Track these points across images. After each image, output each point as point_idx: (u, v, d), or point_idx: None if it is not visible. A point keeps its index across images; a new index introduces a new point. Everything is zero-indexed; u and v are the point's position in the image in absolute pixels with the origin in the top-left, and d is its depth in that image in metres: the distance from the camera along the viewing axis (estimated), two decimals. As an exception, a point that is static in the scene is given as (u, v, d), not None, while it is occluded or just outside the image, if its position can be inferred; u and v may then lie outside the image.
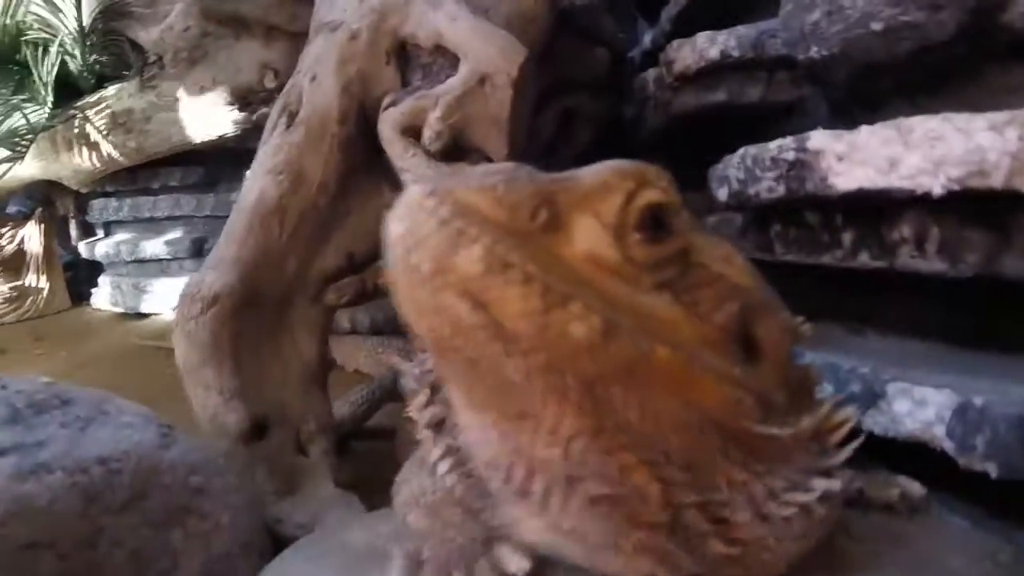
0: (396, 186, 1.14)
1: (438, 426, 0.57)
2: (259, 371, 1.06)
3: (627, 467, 0.45)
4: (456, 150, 1.09)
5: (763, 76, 1.15)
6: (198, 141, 2.22)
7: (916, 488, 0.65)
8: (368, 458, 1.18)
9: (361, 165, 1.15)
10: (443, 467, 0.56)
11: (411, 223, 0.41)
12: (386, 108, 1.12)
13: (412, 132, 1.10)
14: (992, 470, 0.73)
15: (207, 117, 2.14)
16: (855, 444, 0.51)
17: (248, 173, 1.17)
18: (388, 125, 1.11)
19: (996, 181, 0.76)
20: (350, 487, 1.04)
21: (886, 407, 0.85)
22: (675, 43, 1.22)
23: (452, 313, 0.41)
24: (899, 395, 0.84)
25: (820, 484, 0.49)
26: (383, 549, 0.60)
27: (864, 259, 0.96)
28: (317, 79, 1.15)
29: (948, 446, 0.77)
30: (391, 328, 1.69)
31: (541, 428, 0.45)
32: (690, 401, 0.44)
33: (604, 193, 0.44)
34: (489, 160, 1.09)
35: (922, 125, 0.82)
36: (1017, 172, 0.75)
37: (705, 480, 0.46)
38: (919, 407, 0.81)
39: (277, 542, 0.88)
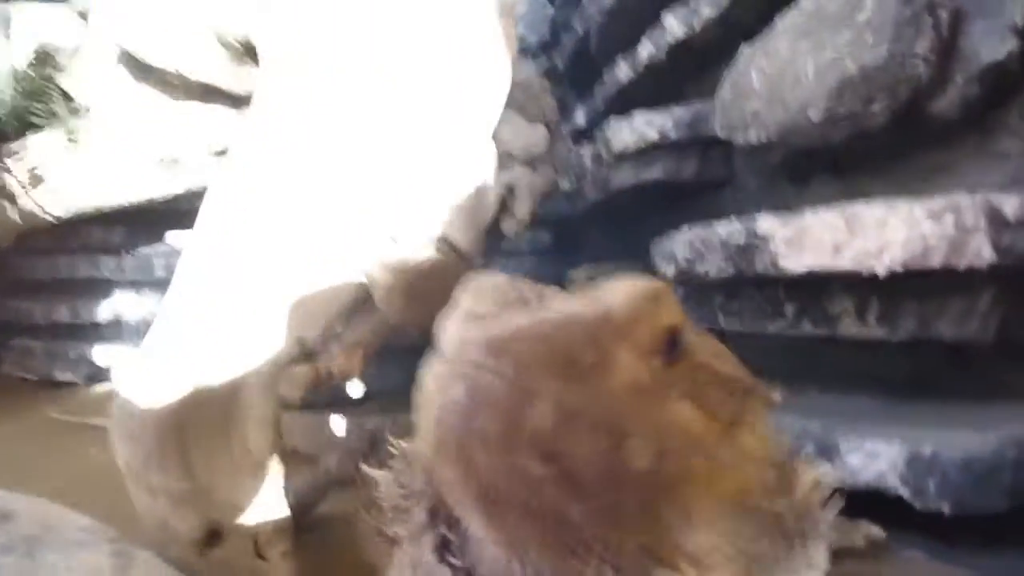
0: (346, 269, 1.10)
1: (441, 549, 0.55)
2: (210, 472, 0.98)
3: (678, 564, 0.47)
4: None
5: (697, 154, 1.22)
6: (127, 204, 2.04)
7: (876, 531, 0.72)
8: (324, 551, 1.11)
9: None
10: None
11: (471, 388, 0.41)
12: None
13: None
14: (945, 508, 0.82)
15: (137, 179, 1.99)
16: (838, 506, 0.55)
17: (174, 243, 1.09)
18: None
19: (935, 262, 0.86)
20: (313, 584, 0.98)
21: (840, 462, 0.92)
22: (613, 122, 1.27)
23: (522, 471, 0.41)
24: (851, 450, 0.91)
25: (821, 549, 0.52)
26: None
27: (807, 328, 1.04)
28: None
29: (904, 492, 0.85)
30: (324, 403, 1.62)
31: (593, 553, 0.46)
32: (717, 497, 0.47)
33: (637, 323, 0.45)
34: (452, 247, 1.08)
35: (867, 212, 0.90)
36: (953, 253, 0.85)
37: (728, 556, 0.49)
38: (872, 459, 0.89)
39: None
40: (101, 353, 2.31)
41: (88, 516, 0.85)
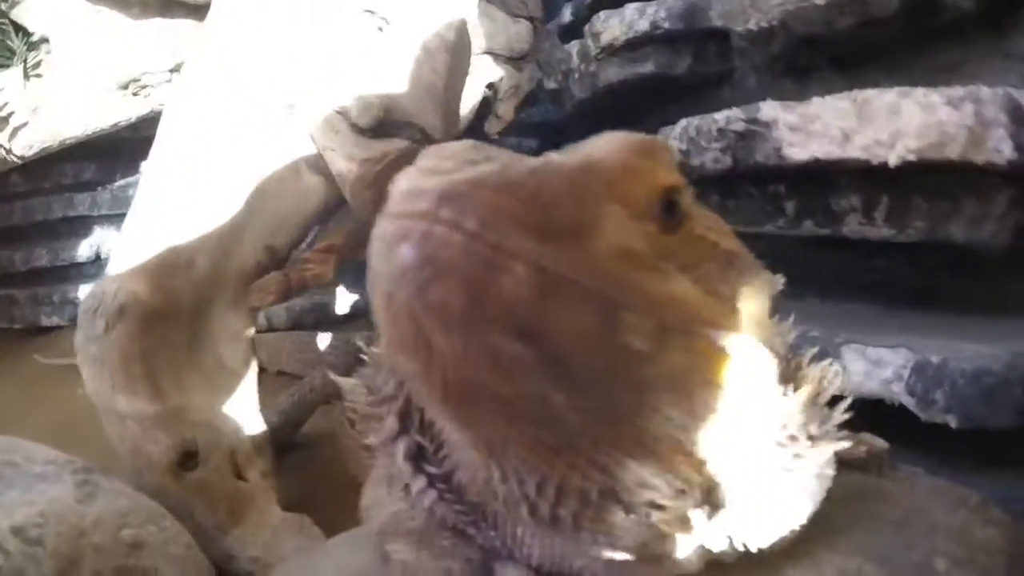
0: (316, 166, 1.03)
1: (416, 457, 0.50)
2: (180, 391, 0.92)
3: (673, 460, 0.42)
4: (386, 125, 0.99)
5: (691, 47, 1.14)
6: (91, 132, 1.91)
7: (880, 443, 0.67)
8: (309, 469, 1.07)
9: (275, 142, 1.02)
10: (429, 498, 0.49)
11: (424, 245, 0.33)
12: (307, 79, 1.00)
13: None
14: (952, 421, 0.77)
15: (100, 106, 1.85)
16: (844, 405, 0.50)
17: (145, 164, 1.01)
18: (308, 98, 0.99)
19: (953, 153, 0.80)
20: (299, 506, 0.94)
21: (841, 369, 0.88)
22: (602, 14, 1.19)
23: (494, 353, 0.34)
24: (853, 356, 0.86)
25: (825, 448, 0.48)
26: None
27: (808, 227, 0.98)
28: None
29: (908, 402, 0.80)
30: (312, 322, 1.56)
31: (580, 454, 0.40)
32: (719, 385, 0.42)
33: (628, 178, 0.38)
34: (425, 135, 1.00)
35: (879, 98, 0.84)
36: (972, 145, 0.79)
37: (733, 459, 0.44)
38: (876, 367, 0.84)
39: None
40: (86, 293, 2.20)
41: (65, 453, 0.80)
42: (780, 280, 0.49)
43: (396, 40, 0.98)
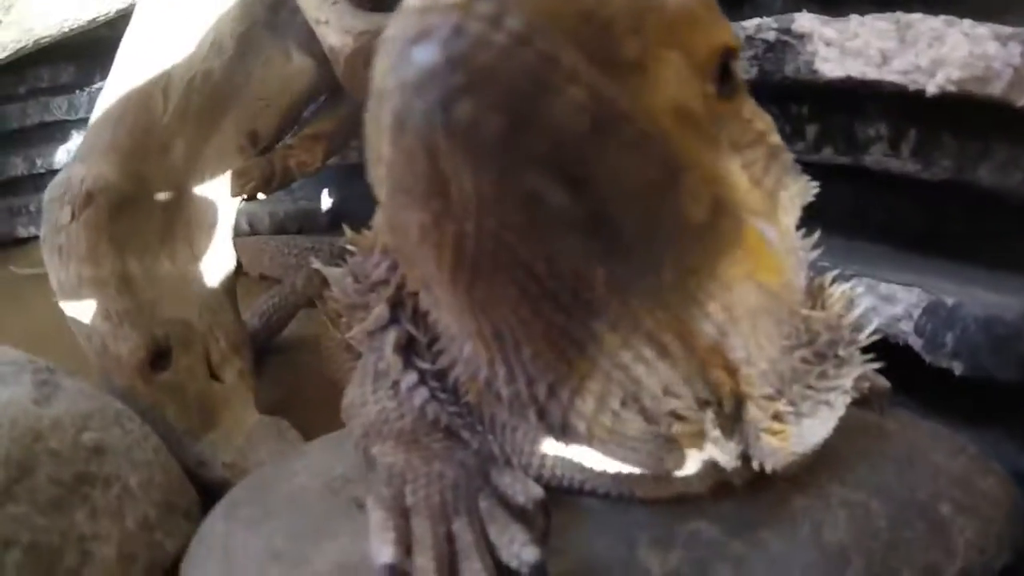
0: (306, 48, 0.94)
1: (407, 348, 0.46)
2: (151, 285, 0.86)
3: (707, 363, 0.38)
4: (388, -5, 0.90)
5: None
6: (67, 31, 1.74)
7: (883, 382, 0.66)
8: (290, 373, 1.04)
9: (263, 20, 0.94)
10: (419, 396, 0.46)
11: (454, 43, 0.24)
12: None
13: (332, -27, 0.90)
14: (957, 368, 0.76)
15: (76, 1, 1.68)
16: (870, 329, 0.50)
17: (123, 40, 0.91)
18: (299, -35, 0.89)
19: (995, 90, 0.75)
20: (276, 410, 0.91)
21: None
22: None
23: (532, 201, 0.27)
24: (865, 291, 0.83)
25: (850, 370, 0.46)
26: (346, 496, 0.51)
27: (828, 154, 0.93)
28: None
29: (915, 342, 0.79)
30: (296, 225, 1.49)
31: (608, 351, 0.36)
32: (761, 283, 0.38)
33: (692, 26, 0.33)
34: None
35: (923, 23, 0.78)
36: (1015, 85, 0.74)
37: (763, 370, 0.41)
38: (886, 303, 0.82)
39: (203, 490, 0.75)
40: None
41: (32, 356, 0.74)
42: (814, 187, 0.45)
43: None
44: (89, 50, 1.96)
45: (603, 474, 0.43)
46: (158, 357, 0.85)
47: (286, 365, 1.06)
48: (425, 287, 0.39)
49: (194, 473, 0.81)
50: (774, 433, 0.41)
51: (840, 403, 0.46)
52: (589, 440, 0.40)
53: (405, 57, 0.25)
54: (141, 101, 0.87)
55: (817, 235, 0.49)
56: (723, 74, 0.35)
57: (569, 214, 0.28)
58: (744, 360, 0.39)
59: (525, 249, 0.29)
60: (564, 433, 0.40)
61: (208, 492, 0.74)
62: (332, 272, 0.55)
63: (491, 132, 0.25)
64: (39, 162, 2.18)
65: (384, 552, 0.38)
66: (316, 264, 0.58)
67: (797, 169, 0.43)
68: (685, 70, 0.32)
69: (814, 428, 0.45)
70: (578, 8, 0.27)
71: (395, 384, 0.48)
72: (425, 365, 0.45)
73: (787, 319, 0.42)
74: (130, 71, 0.90)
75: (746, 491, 0.46)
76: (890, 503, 0.50)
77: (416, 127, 0.25)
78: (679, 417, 0.39)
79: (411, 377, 0.46)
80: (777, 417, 0.41)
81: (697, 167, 0.32)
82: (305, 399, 0.95)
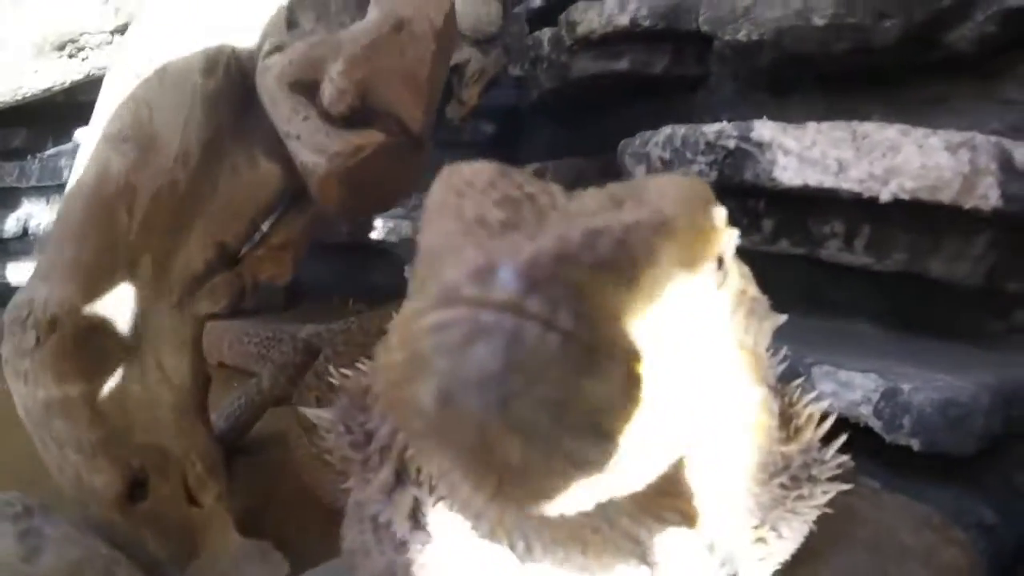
0: (273, 153, 0.92)
1: (416, 513, 0.47)
2: (123, 411, 0.82)
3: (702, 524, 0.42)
4: (361, 112, 0.89)
5: (669, 48, 1.11)
6: (21, 97, 1.61)
7: (845, 460, 0.70)
8: (261, 475, 0.99)
9: (230, 128, 0.91)
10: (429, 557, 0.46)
11: (513, 350, 0.27)
12: (269, 55, 0.88)
13: (304, 88, 0.88)
14: (915, 445, 0.81)
15: (32, 68, 1.57)
16: (839, 443, 0.51)
17: (81, 141, 0.86)
18: (272, 77, 0.87)
19: (945, 197, 0.82)
20: (251, 515, 0.86)
21: (809, 388, 0.91)
22: (580, 4, 1.12)
23: (566, 462, 0.30)
24: (823, 377, 0.89)
25: (828, 487, 0.49)
26: None
27: (784, 245, 0.99)
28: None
29: (875, 424, 0.84)
30: (252, 306, 1.43)
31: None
32: (755, 440, 0.43)
33: (700, 241, 0.35)
34: (402, 127, 0.92)
35: (878, 133, 0.84)
36: (964, 191, 0.81)
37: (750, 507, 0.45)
38: (845, 389, 0.87)
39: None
40: (14, 271, 2.01)
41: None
42: (783, 318, 0.47)
43: (374, 20, 0.87)
44: (41, 117, 1.91)
45: None
46: (135, 487, 0.82)
47: (256, 466, 1.01)
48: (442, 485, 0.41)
49: (184, 603, 0.77)
50: (760, 559, 0.44)
51: (812, 515, 0.49)
52: None
53: (463, 352, 0.27)
54: (105, 216, 0.83)
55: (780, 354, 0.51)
56: (719, 263, 0.37)
57: (599, 460, 0.30)
58: (740, 508, 0.43)
59: (555, 492, 0.32)
60: None
61: None
62: (323, 420, 0.54)
63: (542, 423, 0.28)
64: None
65: None
66: (303, 409, 0.57)
67: (768, 308, 0.45)
68: (697, 278, 0.34)
69: (790, 542, 0.47)
70: (615, 275, 0.29)
71: (403, 543, 0.47)
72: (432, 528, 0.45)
73: (768, 456, 0.45)
74: (93, 181, 0.85)
75: None
76: None
77: (469, 414, 0.28)
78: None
79: (422, 538, 0.46)
80: (761, 540, 0.44)
81: (716, 372, 0.36)
82: (279, 501, 0.91)
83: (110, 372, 0.83)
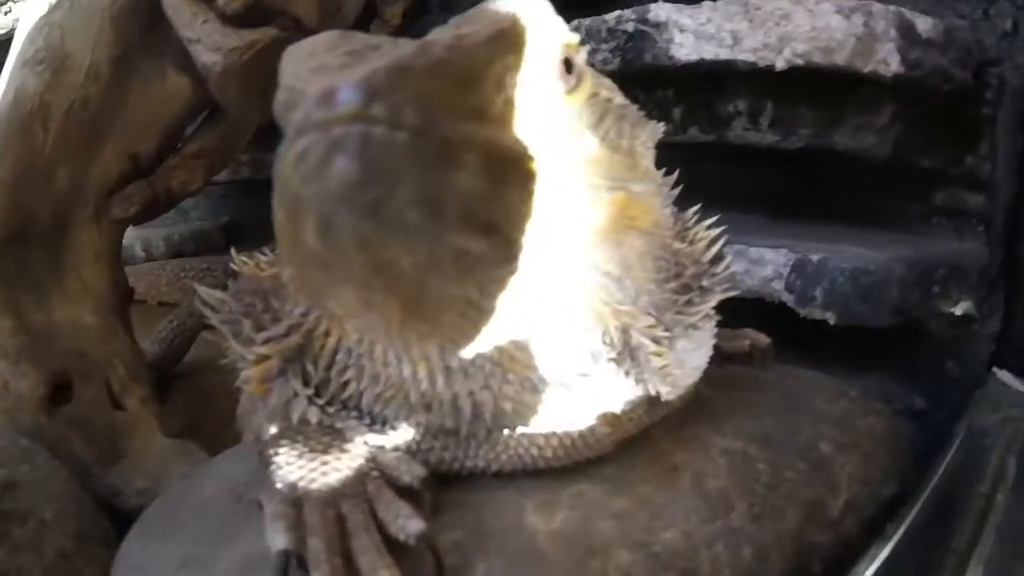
0: (182, 66, 0.93)
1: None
2: (45, 318, 0.85)
3: (600, 314, 0.44)
4: (256, 13, 0.90)
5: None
6: None
7: (763, 339, 0.71)
8: (195, 397, 1.02)
9: (138, 43, 0.92)
10: (298, 408, 0.47)
11: (367, 152, 0.28)
12: (168, -34, 0.89)
13: (201, -6, 0.89)
14: (831, 318, 0.83)
15: None
16: (728, 262, 0.54)
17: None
18: (172, -13, 0.88)
19: (840, 59, 0.82)
20: (186, 434, 0.90)
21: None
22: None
23: (461, 256, 0.32)
24: (735, 257, 0.89)
25: (710, 299, 0.50)
26: (247, 501, 0.52)
27: (694, 133, 0.98)
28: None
29: (788, 298, 0.85)
30: (192, 247, 1.46)
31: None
32: (639, 229, 0.44)
33: (532, 42, 0.36)
34: (298, 24, 0.92)
35: (770, 4, 0.84)
36: (859, 53, 0.81)
37: (644, 303, 0.46)
38: (756, 265, 0.88)
39: (120, 519, 0.74)
40: None
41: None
42: (661, 128, 0.50)
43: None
44: None
45: (505, 451, 0.46)
46: (59, 391, 0.84)
47: (191, 389, 1.04)
48: (356, 330, 0.42)
49: (110, 503, 0.80)
50: (657, 355, 0.46)
51: (708, 328, 0.51)
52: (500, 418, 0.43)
53: (323, 171, 0.29)
54: (21, 133, 0.86)
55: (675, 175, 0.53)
56: (567, 66, 0.39)
57: (489, 255, 0.33)
58: (632, 299, 0.44)
59: (456, 290, 0.34)
60: (477, 418, 0.43)
61: (126, 521, 0.74)
62: (213, 297, 0.55)
63: (417, 219, 0.29)
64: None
65: (279, 539, 0.40)
66: (198, 287, 0.58)
67: (642, 117, 0.48)
68: (540, 86, 0.36)
69: (689, 352, 0.49)
70: (450, 79, 0.31)
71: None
72: (308, 391, 0.47)
73: (660, 253, 0.47)
74: (9, 101, 0.88)
75: (626, 454, 0.49)
76: (770, 448, 0.53)
77: (347, 230, 0.29)
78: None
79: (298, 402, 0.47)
80: (655, 341, 0.45)
81: (573, 170, 0.37)
82: (214, 420, 0.94)
83: (32, 283, 0.86)
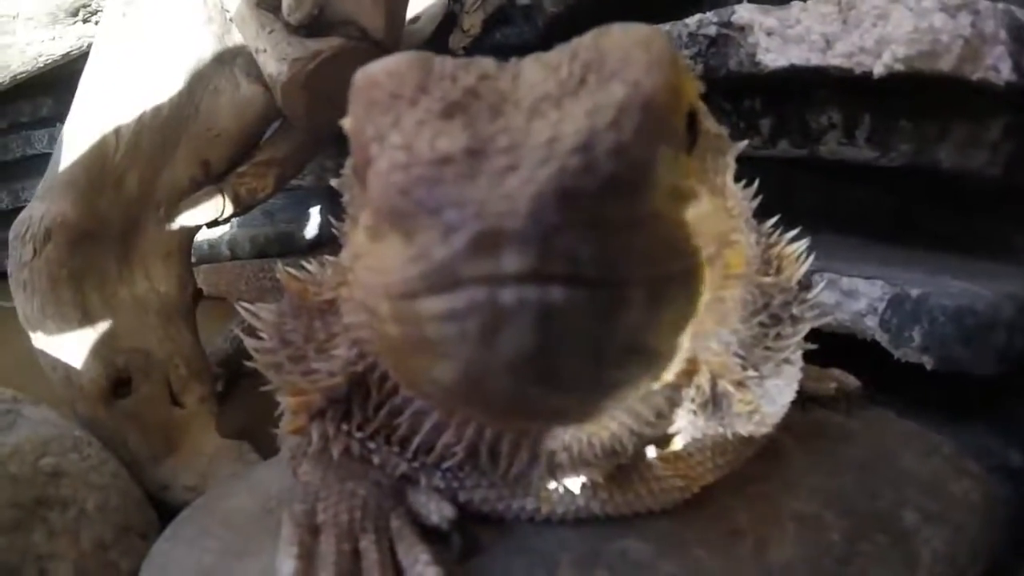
0: (256, 75, 0.94)
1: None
2: (111, 315, 0.88)
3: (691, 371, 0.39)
4: (322, 23, 0.90)
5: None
6: (42, 65, 1.79)
7: (852, 381, 0.61)
8: (259, 397, 1.03)
9: (211, 50, 0.94)
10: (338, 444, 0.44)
11: (542, 327, 0.24)
12: (237, -24, 0.91)
13: (269, 5, 0.91)
14: (928, 363, 0.71)
15: (50, 36, 1.73)
16: (819, 289, 0.47)
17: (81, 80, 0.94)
18: (240, -2, 0.90)
19: (945, 65, 0.72)
20: (243, 434, 0.91)
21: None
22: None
23: (609, 393, 0.30)
24: (826, 287, 0.80)
25: (801, 328, 0.44)
26: (277, 516, 0.50)
27: (784, 147, 0.90)
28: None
29: (882, 337, 0.75)
30: (277, 249, 1.50)
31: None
32: (734, 275, 0.38)
33: (673, 107, 0.31)
34: (364, 35, 0.91)
35: (866, 3, 0.76)
36: (966, 58, 0.71)
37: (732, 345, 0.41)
38: (848, 298, 0.78)
39: (167, 513, 0.75)
40: None
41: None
42: (742, 144, 0.44)
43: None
44: (64, 83, 1.86)
45: (558, 497, 0.42)
46: (119, 385, 0.86)
47: (256, 389, 1.05)
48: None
49: (158, 497, 0.82)
50: (743, 402, 0.41)
51: (798, 358, 0.45)
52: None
53: (487, 340, 0.25)
54: (95, 140, 0.89)
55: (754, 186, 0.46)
56: (691, 123, 0.34)
57: (641, 376, 0.30)
58: (724, 347, 0.40)
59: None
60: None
61: (173, 515, 0.75)
62: (254, 314, 0.52)
63: (579, 369, 0.27)
64: (23, 195, 2.15)
65: (287, 565, 0.37)
66: (238, 304, 0.55)
67: (727, 139, 0.42)
68: (673, 153, 0.30)
69: (780, 387, 0.44)
70: (620, 198, 0.26)
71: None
72: (352, 431, 0.44)
73: (749, 290, 0.42)
74: (86, 111, 0.92)
75: (687, 505, 0.44)
76: (847, 514, 0.46)
77: (502, 390, 0.27)
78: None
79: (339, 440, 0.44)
80: (742, 384, 0.41)
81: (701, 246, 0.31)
82: (272, 422, 0.94)
83: (100, 280, 0.88)
